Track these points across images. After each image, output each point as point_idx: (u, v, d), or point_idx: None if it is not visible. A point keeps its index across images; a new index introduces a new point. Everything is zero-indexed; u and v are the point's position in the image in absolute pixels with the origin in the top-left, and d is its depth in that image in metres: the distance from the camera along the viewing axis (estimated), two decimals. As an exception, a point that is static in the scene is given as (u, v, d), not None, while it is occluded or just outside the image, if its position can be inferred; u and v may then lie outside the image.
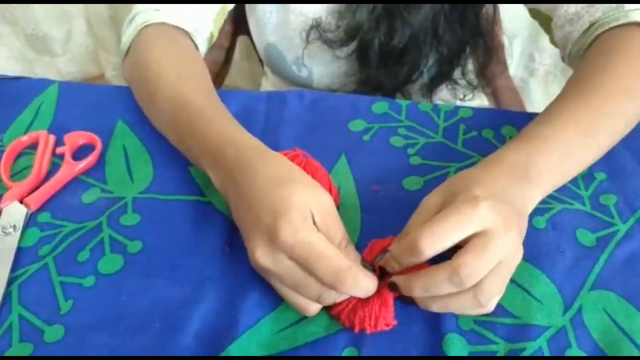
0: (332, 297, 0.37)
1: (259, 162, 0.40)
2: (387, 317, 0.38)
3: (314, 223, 0.37)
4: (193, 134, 0.46)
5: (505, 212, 0.36)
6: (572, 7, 0.51)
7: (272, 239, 0.36)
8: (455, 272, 0.34)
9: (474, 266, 0.34)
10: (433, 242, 0.34)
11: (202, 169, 0.46)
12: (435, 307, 0.37)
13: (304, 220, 0.36)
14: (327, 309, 0.39)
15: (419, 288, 0.36)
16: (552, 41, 0.57)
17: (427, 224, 0.35)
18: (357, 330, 0.38)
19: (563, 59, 0.56)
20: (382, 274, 0.38)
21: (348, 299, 0.38)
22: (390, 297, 0.38)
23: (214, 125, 0.45)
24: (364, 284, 0.36)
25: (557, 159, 0.41)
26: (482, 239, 0.34)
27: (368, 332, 0.38)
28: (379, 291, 0.38)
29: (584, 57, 0.50)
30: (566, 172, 0.43)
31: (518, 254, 0.37)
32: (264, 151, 0.42)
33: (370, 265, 0.39)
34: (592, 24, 0.50)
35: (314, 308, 0.38)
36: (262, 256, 0.36)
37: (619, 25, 0.48)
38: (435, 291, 0.35)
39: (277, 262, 0.36)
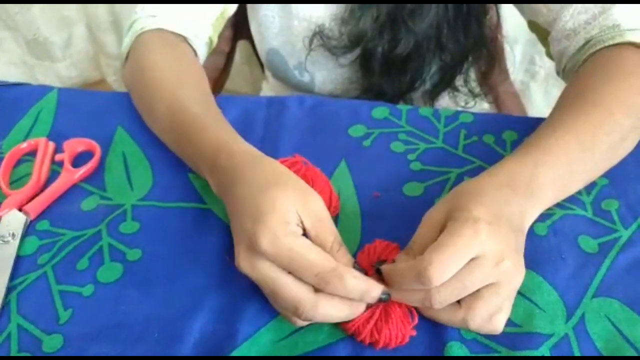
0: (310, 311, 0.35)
1: (249, 168, 0.40)
2: (410, 330, 0.37)
3: (303, 228, 0.37)
4: (190, 141, 0.46)
5: (503, 235, 0.36)
6: (570, 23, 0.52)
7: (252, 246, 0.35)
8: (427, 297, 0.35)
9: (446, 295, 0.35)
10: (443, 272, 0.34)
11: (201, 176, 0.46)
12: (428, 315, 0.38)
13: (284, 225, 0.35)
14: (343, 325, 0.38)
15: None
16: (549, 54, 0.58)
17: (433, 251, 0.34)
18: (379, 347, 0.37)
19: (558, 73, 0.56)
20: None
21: (366, 313, 0.37)
22: (408, 308, 0.38)
23: (209, 132, 0.45)
24: (351, 284, 0.34)
25: (559, 173, 0.41)
26: (470, 265, 0.34)
27: (392, 347, 0.37)
28: (397, 305, 0.37)
29: (580, 72, 0.50)
30: (567, 186, 0.43)
31: (517, 276, 0.36)
32: (257, 157, 0.42)
33: (363, 269, 0.38)
34: (587, 41, 0.50)
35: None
36: (242, 262, 0.36)
37: (614, 45, 0.48)
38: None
39: (256, 268, 0.35)
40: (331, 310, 0.35)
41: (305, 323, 0.37)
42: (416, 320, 0.38)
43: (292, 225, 0.36)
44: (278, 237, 0.34)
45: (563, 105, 0.46)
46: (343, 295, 0.35)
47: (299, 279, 0.35)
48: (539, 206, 0.40)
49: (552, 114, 0.46)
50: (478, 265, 0.34)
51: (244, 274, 0.37)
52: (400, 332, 0.37)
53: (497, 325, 0.36)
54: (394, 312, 0.37)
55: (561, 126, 0.43)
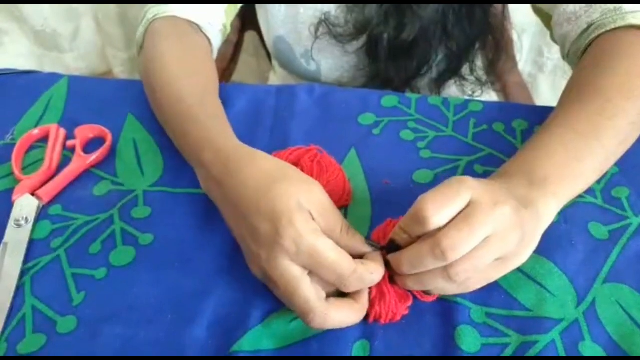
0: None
1: (242, 163, 0.39)
2: (403, 310, 0.38)
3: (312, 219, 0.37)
4: (183, 133, 0.46)
5: (496, 190, 0.36)
6: (571, 7, 0.51)
7: (273, 245, 0.35)
8: (437, 244, 0.33)
9: (456, 238, 0.33)
10: (437, 208, 0.34)
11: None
12: (411, 284, 0.37)
13: (306, 222, 0.35)
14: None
15: (406, 264, 0.36)
16: (553, 38, 0.57)
17: (424, 194, 0.35)
18: (370, 321, 0.38)
19: (563, 57, 0.56)
20: (394, 249, 0.38)
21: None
22: (404, 291, 0.38)
23: (197, 126, 0.45)
24: (369, 280, 0.36)
25: (559, 162, 0.40)
26: (465, 211, 0.34)
27: (382, 323, 0.38)
28: (394, 285, 0.38)
29: (581, 62, 0.49)
30: (578, 174, 0.41)
31: (511, 233, 0.35)
32: (247, 152, 0.41)
33: (376, 243, 0.39)
34: (590, 25, 0.49)
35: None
36: (264, 263, 0.36)
37: (617, 28, 0.48)
38: (420, 266, 0.35)
39: (276, 267, 0.35)
40: (341, 318, 0.36)
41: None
42: (411, 301, 0.38)
43: (311, 222, 0.36)
44: (302, 236, 0.34)
45: (563, 100, 0.46)
46: (359, 289, 0.37)
47: (317, 279, 0.36)
48: (552, 197, 0.39)
49: (554, 110, 0.46)
50: (475, 206, 0.34)
51: (261, 276, 0.38)
52: (391, 311, 0.38)
53: (472, 284, 0.37)
54: (388, 292, 0.38)
55: (557, 120, 0.43)
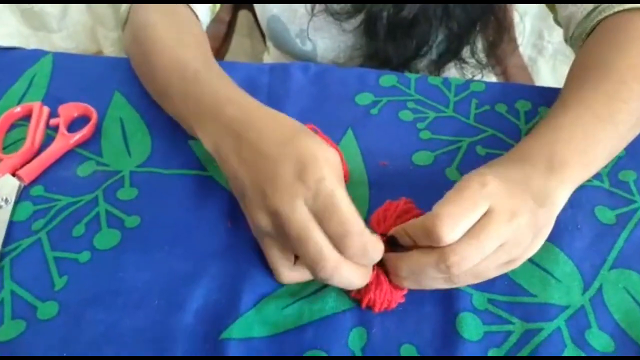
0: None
1: (265, 121, 0.38)
2: (398, 298, 0.36)
3: None
4: (186, 96, 0.43)
5: (516, 195, 0.34)
6: None
7: (294, 186, 0.33)
8: (443, 259, 0.32)
9: (464, 253, 0.32)
10: (453, 225, 0.32)
11: (191, 132, 0.43)
12: (408, 284, 0.36)
13: (331, 170, 0.34)
14: None
15: (406, 270, 0.35)
16: (556, 20, 0.56)
17: (439, 206, 0.33)
18: (363, 306, 0.36)
19: (566, 40, 0.54)
20: (393, 244, 0.36)
21: None
22: None
23: (211, 86, 0.43)
24: (370, 253, 0.33)
25: (578, 147, 0.39)
26: (480, 223, 0.33)
27: (376, 311, 0.36)
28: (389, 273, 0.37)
29: (588, 43, 0.48)
30: (595, 160, 0.40)
31: (528, 239, 0.34)
32: (269, 110, 0.40)
33: (373, 232, 0.36)
34: (596, 7, 0.48)
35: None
36: (286, 205, 0.33)
37: (625, 10, 0.46)
38: (420, 274, 0.34)
39: (294, 210, 0.33)
40: (349, 275, 0.34)
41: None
42: (406, 289, 0.37)
43: (336, 170, 0.34)
44: (325, 178, 0.33)
45: (574, 80, 0.45)
46: (357, 260, 0.34)
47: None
48: (569, 183, 0.37)
49: (564, 89, 0.45)
50: (489, 219, 0.33)
51: (268, 227, 0.35)
52: (386, 300, 0.36)
53: (476, 281, 0.35)
54: (385, 281, 0.36)
55: (574, 101, 0.41)
